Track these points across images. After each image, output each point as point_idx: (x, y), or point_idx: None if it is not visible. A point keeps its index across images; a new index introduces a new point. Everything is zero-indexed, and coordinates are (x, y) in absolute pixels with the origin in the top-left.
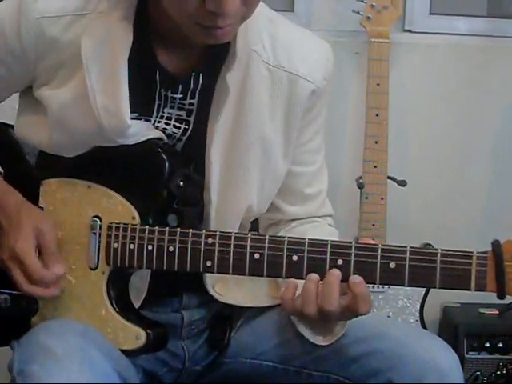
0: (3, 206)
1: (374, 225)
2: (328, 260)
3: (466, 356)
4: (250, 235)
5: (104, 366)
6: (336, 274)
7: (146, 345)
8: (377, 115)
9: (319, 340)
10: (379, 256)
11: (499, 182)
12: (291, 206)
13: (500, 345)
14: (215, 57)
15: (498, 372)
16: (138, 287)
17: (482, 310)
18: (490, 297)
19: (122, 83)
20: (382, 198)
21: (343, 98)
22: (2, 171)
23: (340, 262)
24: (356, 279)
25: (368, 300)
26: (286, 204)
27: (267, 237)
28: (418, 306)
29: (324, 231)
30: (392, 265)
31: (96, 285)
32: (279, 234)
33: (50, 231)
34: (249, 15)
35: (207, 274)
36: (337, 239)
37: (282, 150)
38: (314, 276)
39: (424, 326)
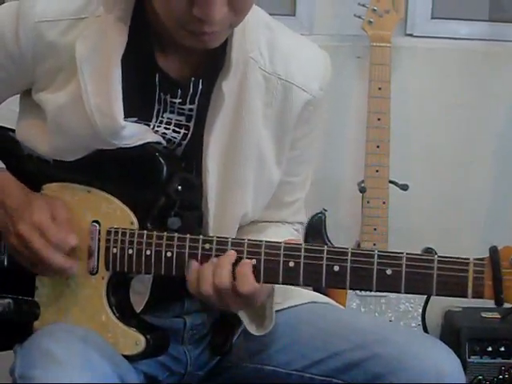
0: (11, 193)
1: (375, 229)
2: (324, 266)
3: (468, 360)
4: (246, 241)
5: (105, 370)
6: (230, 254)
7: (145, 350)
8: (378, 119)
9: (252, 329)
10: (375, 262)
11: (502, 185)
12: (265, 210)
13: (502, 349)
14: (213, 63)
15: (500, 376)
16: (140, 292)
17: (484, 314)
18: (493, 303)
19: (115, 83)
20: (383, 202)
21: (345, 103)
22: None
23: (336, 268)
24: (244, 260)
25: (246, 280)
26: None
27: (264, 242)
28: (420, 311)
29: (282, 233)
30: (388, 271)
31: (96, 290)
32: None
33: (61, 205)
34: (238, 22)
35: None
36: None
37: (275, 157)
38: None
39: (426, 331)
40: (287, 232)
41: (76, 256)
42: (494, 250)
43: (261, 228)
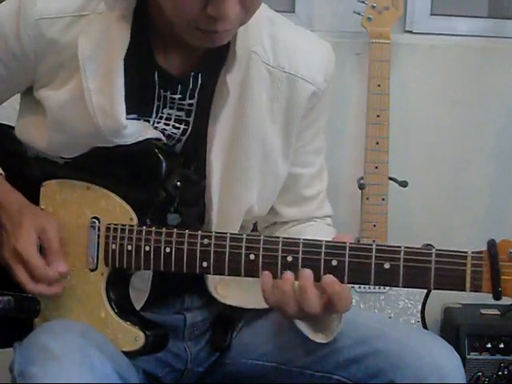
0: (5, 206)
1: (375, 226)
2: (322, 261)
3: (468, 357)
4: (244, 236)
5: (104, 367)
6: (306, 275)
7: (144, 346)
8: (378, 116)
9: (320, 337)
10: (373, 256)
11: (501, 182)
12: (288, 208)
13: (501, 345)
14: (215, 57)
15: (500, 373)
16: (140, 288)
17: (483, 311)
18: (492, 297)
19: (118, 83)
20: (383, 199)
21: (344, 99)
22: (3, 173)
23: (334, 262)
24: (327, 279)
25: (343, 297)
26: (283, 206)
27: (262, 237)
28: (420, 307)
29: (319, 230)
30: (386, 265)
31: (95, 286)
32: (275, 234)
33: (52, 229)
34: (247, 20)
35: (209, 276)
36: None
37: (282, 151)
38: (289, 275)
39: (425, 327)
40: (324, 229)
41: (61, 280)
42: (491, 244)
43: (296, 232)
